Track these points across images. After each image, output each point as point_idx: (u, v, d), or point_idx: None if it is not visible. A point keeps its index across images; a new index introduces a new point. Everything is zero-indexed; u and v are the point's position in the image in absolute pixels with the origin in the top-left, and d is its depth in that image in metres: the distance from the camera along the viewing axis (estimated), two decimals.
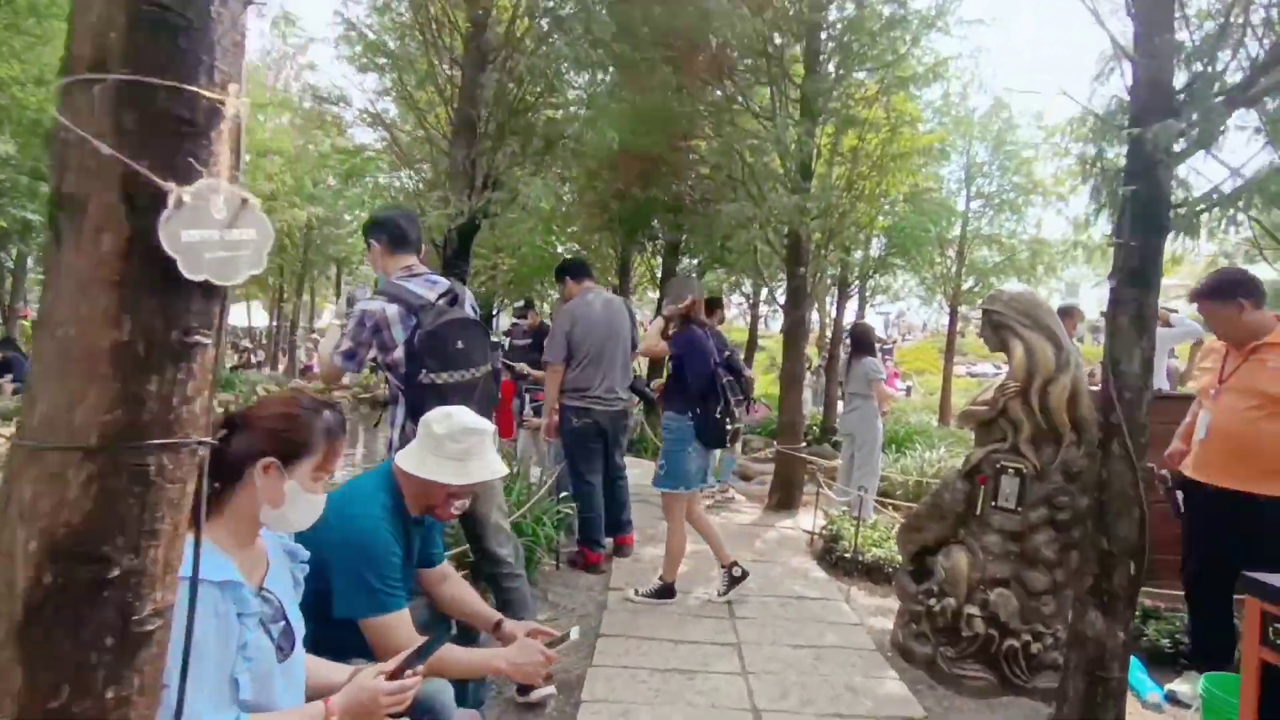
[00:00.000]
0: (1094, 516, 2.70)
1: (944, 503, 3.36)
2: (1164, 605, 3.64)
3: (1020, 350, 3.15)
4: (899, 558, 3.82)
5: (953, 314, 13.37)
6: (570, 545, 4.69)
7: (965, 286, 13.01)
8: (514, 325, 7.30)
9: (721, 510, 6.25)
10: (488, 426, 2.00)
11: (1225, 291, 3.02)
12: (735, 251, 7.26)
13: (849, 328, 6.40)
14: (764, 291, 12.17)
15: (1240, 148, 3.07)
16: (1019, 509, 3.11)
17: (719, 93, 6.34)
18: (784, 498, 6.31)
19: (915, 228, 11.34)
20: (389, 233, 2.66)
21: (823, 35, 6.00)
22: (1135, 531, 2.62)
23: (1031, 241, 12.40)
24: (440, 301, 2.56)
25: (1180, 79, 2.71)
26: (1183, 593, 3.31)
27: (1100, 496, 2.68)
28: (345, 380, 9.62)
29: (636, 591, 3.93)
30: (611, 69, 5.67)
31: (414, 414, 2.40)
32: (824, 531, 4.98)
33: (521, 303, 7.26)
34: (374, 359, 2.58)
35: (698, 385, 3.73)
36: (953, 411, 14.15)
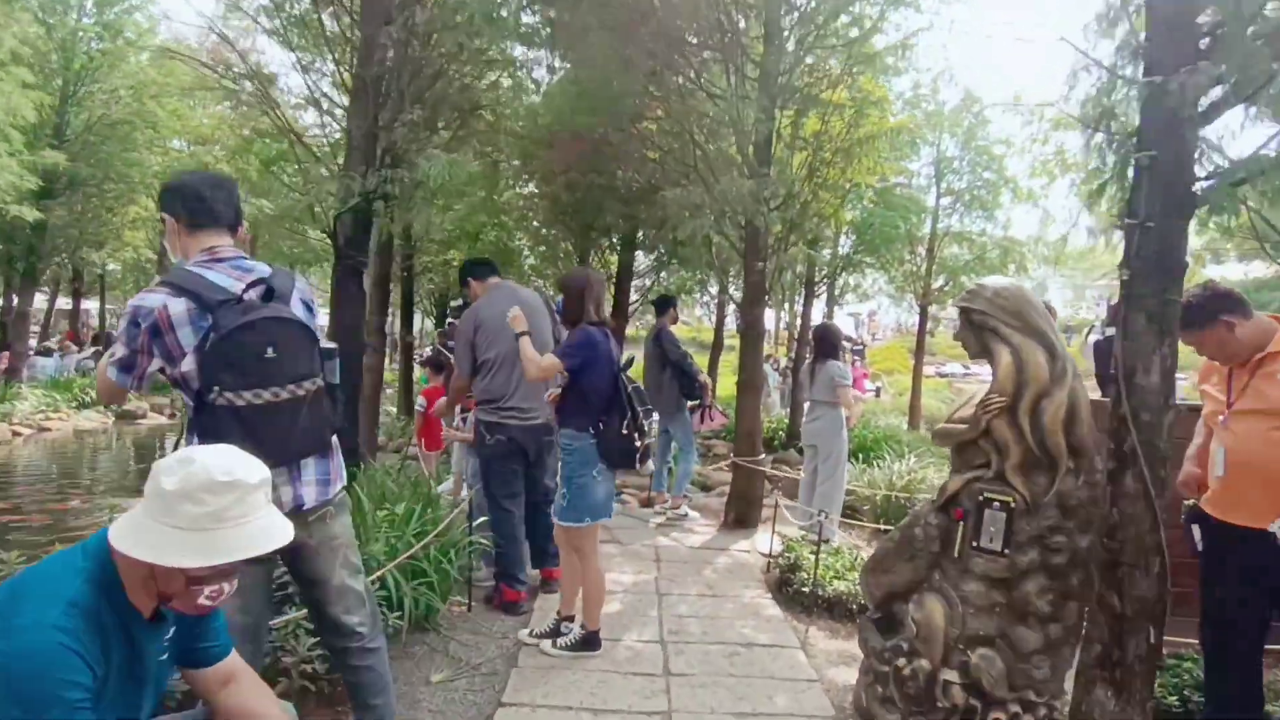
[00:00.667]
0: (1103, 569, 2.14)
1: (915, 540, 2.78)
2: (1167, 651, 3.12)
3: (1007, 357, 2.59)
4: (863, 595, 3.24)
5: (923, 313, 12.98)
6: (490, 579, 4.06)
7: (935, 285, 12.64)
8: (450, 325, 6.61)
9: (672, 530, 5.65)
10: (252, 476, 1.35)
11: (1206, 317, 2.48)
12: (689, 245, 6.67)
13: (813, 329, 5.85)
14: (730, 289, 11.63)
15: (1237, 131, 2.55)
16: (1005, 551, 2.54)
17: (672, 75, 5.74)
18: (741, 515, 5.74)
19: (885, 223, 10.89)
20: (186, 204, 2.00)
21: (782, 8, 5.43)
22: (1155, 588, 2.07)
23: (1002, 240, 12.03)
24: (250, 295, 1.90)
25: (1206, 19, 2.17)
26: (1195, 640, 2.79)
27: (1110, 544, 2.12)
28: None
29: (554, 644, 3.30)
30: (546, 34, 5.04)
31: None
32: (781, 559, 4.40)
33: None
34: (162, 371, 1.92)
35: (598, 397, 3.12)
36: (922, 414, 13.77)
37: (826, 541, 4.74)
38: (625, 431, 3.07)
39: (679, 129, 5.68)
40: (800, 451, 11.65)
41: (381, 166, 3.70)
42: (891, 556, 2.89)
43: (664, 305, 6.21)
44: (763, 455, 5.88)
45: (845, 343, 8.70)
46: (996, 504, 2.56)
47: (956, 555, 2.64)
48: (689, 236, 5.01)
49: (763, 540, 5.18)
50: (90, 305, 23.26)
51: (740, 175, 4.86)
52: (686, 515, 6.00)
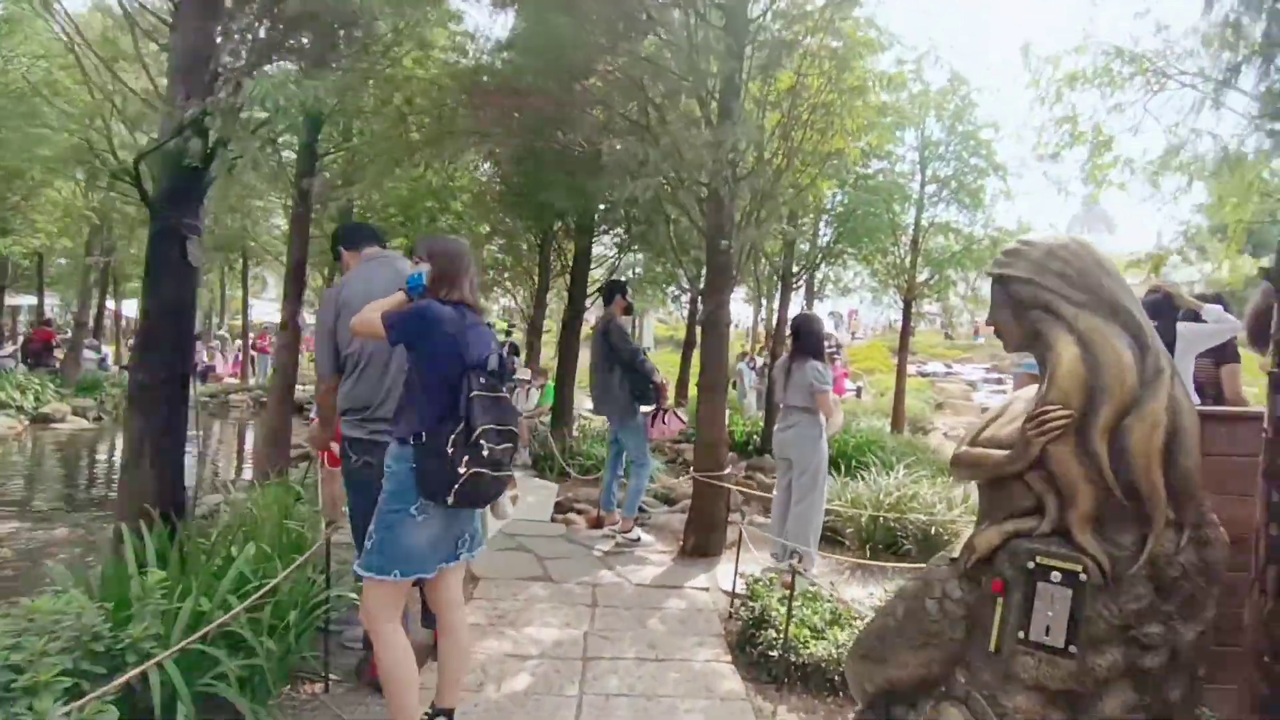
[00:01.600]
0: (1257, 703, 1.26)
1: (927, 619, 1.89)
2: None
3: (1070, 350, 1.70)
4: (850, 687, 2.34)
5: (907, 308, 12.18)
6: (361, 642, 3.11)
7: (920, 279, 11.86)
8: None
9: (619, 560, 4.73)
10: None
11: None
12: (644, 222, 5.76)
13: (790, 320, 4.97)
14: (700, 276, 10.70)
15: None
16: (1071, 647, 1.65)
17: (625, 27, 4.81)
18: (701, 541, 4.83)
19: (867, 209, 10.08)
20: None
21: None
22: None
23: (992, 231, 11.25)
24: None
25: None
26: None
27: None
28: (251, 381, 7.70)
29: None
30: None
31: None
32: (744, 610, 3.49)
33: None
34: None
35: (429, 396, 2.20)
36: (906, 416, 12.97)
37: (802, 574, 3.86)
38: (451, 449, 2.11)
39: (630, 84, 4.74)
40: None
41: (210, 95, 2.75)
42: (892, 640, 1.98)
43: (611, 293, 5.30)
44: (729, 469, 4.97)
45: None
46: (1056, 574, 1.67)
47: (993, 649, 1.75)
48: (632, 200, 4.10)
49: (726, 573, 4.29)
50: (27, 300, 21.80)
51: (699, 129, 3.95)
52: (639, 540, 5.09)
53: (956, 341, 31.26)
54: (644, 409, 5.26)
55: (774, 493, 4.96)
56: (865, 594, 3.91)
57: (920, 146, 11.89)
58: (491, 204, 8.83)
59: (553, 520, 5.79)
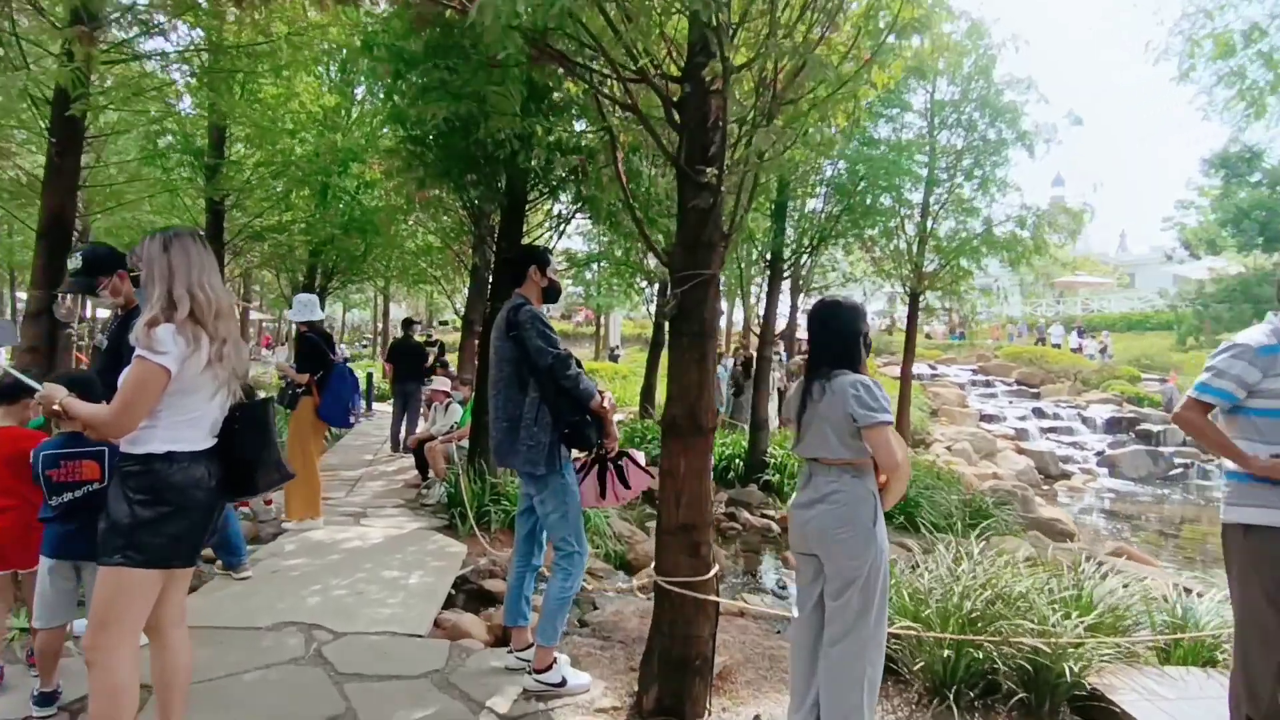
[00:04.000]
0: None
1: None
2: None
3: None
4: None
5: (913, 303, 10.25)
6: None
7: (928, 268, 9.96)
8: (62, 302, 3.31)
9: None
10: None
11: None
12: (571, 149, 3.64)
13: (809, 311, 2.85)
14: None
15: None
16: None
17: None
18: (670, 694, 2.76)
19: (874, 178, 8.14)
20: None
21: None
22: None
23: (1021, 209, 9.39)
24: None
25: None
26: None
27: None
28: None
29: None
30: None
31: None
32: None
33: (77, 260, 3.18)
34: None
35: None
36: (910, 426, 11.05)
37: None
38: None
39: None
40: (765, 488, 8.77)
41: None
42: None
43: (525, 264, 3.17)
44: (715, 570, 2.87)
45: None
46: None
47: None
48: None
49: None
50: None
51: None
52: (563, 684, 2.98)
53: (935, 341, 29.72)
54: (576, 455, 3.17)
55: (792, 615, 2.90)
56: None
57: (929, 112, 10.01)
58: (420, 167, 6.42)
59: (436, 627, 3.64)
